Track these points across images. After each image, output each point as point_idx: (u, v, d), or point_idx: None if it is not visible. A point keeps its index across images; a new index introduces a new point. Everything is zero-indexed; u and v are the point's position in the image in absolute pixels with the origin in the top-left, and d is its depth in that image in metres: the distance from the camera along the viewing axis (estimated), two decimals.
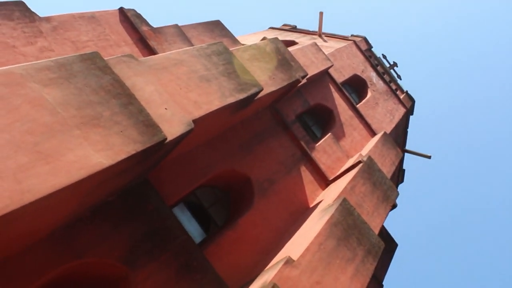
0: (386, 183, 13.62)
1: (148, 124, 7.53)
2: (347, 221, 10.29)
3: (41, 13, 11.40)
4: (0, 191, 5.29)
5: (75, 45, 11.45)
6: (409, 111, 23.61)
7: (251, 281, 8.51)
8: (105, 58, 8.03)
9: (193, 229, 10.61)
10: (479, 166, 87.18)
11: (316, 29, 24.32)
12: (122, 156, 6.82)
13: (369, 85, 21.23)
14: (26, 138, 5.93)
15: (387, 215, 12.83)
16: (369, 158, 13.76)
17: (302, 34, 24.53)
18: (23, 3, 11.03)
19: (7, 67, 6.57)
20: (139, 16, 13.95)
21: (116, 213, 8.31)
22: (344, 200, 10.75)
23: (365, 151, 15.33)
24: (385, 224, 19.49)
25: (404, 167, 24.08)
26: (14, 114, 6.03)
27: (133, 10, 13.98)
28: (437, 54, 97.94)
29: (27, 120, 6.09)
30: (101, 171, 6.48)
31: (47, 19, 11.40)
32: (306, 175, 13.40)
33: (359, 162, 13.47)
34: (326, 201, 11.73)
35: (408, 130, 24.28)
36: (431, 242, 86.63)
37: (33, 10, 11.20)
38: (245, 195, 11.66)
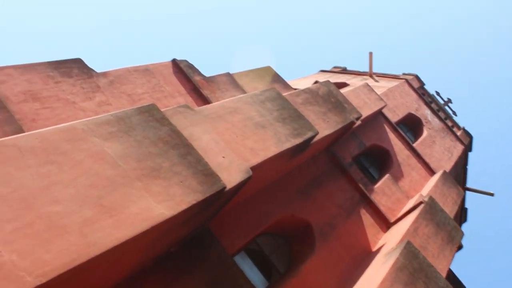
0: (450, 223, 13.21)
1: (207, 173, 7.52)
2: (412, 265, 9.96)
3: (97, 69, 11.73)
4: (66, 245, 5.31)
5: (131, 98, 11.67)
6: (468, 147, 23.08)
7: None
8: (162, 110, 8.13)
9: (256, 277, 10.46)
10: None
11: (367, 70, 24.25)
12: (183, 206, 6.80)
13: (424, 123, 20.90)
14: (90, 192, 5.98)
15: (453, 257, 12.39)
16: (431, 198, 13.41)
17: (353, 75, 24.48)
18: (81, 60, 11.36)
19: (69, 123, 6.71)
20: (191, 66, 14.18)
21: (179, 264, 8.26)
22: (408, 242, 10.44)
23: (425, 191, 14.98)
24: (451, 267, 18.83)
25: (466, 205, 23.40)
26: (77, 169, 6.11)
27: (186, 61, 14.22)
28: (492, 88, 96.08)
29: (90, 174, 6.16)
30: (164, 222, 6.46)
31: (104, 74, 11.69)
32: (367, 218, 13.13)
33: (420, 202, 13.14)
34: (389, 244, 11.43)
35: (468, 167, 23.70)
36: (503, 284, 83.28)
37: (90, 66, 11.52)
38: (306, 241, 11.47)
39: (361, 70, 24.92)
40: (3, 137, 8.32)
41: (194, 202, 6.99)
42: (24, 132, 8.81)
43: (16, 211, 5.25)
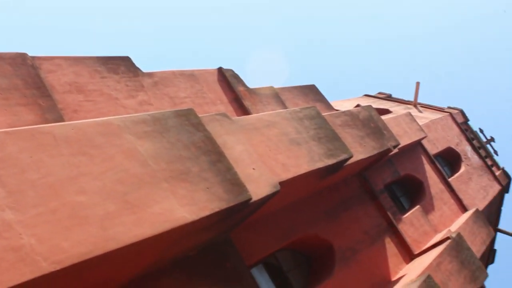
0: (475, 262, 13.02)
1: (235, 182, 7.61)
2: None
3: (144, 69, 11.96)
4: (86, 236, 5.46)
5: (173, 101, 11.87)
6: (505, 188, 22.67)
7: None
8: (200, 115, 8.25)
9: None
10: None
11: (412, 99, 24.07)
12: (206, 212, 6.89)
13: (463, 159, 20.63)
14: (117, 187, 6.12)
15: None
16: (459, 235, 13.25)
17: (397, 103, 24.34)
18: (129, 59, 11.61)
19: (107, 117, 6.89)
20: (236, 76, 14.33)
21: (195, 268, 8.34)
22: (429, 276, 10.35)
23: (454, 227, 14.78)
24: None
25: (496, 247, 22.95)
26: (108, 163, 6.27)
27: (231, 70, 14.38)
28: None
29: (119, 170, 6.31)
30: (184, 226, 6.56)
31: (150, 75, 11.92)
32: (391, 247, 13.03)
33: (448, 238, 12.99)
34: (409, 276, 11.33)
35: (503, 208, 23.26)
36: None
37: (137, 65, 11.76)
38: (326, 262, 11.45)
39: (406, 99, 24.75)
40: (43, 124, 8.57)
41: (218, 209, 7.08)
42: (64, 121, 9.05)
43: (42, 197, 5.42)
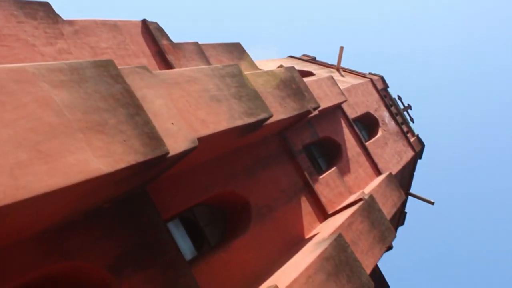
0: (384, 223, 13.57)
1: (152, 136, 7.60)
2: (339, 257, 10.26)
3: (65, 16, 11.57)
4: None
5: (93, 51, 11.59)
6: (418, 155, 23.57)
7: None
8: (119, 67, 8.13)
9: (185, 246, 10.61)
10: (480, 218, 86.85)
11: (335, 63, 24.44)
12: (122, 165, 6.88)
13: (380, 124, 21.25)
14: (29, 136, 6.00)
15: (381, 256, 12.77)
16: (371, 197, 13.73)
17: (321, 66, 24.66)
18: (49, 4, 11.20)
19: (21, 64, 6.68)
20: (160, 29, 14.10)
21: (110, 221, 8.33)
22: (340, 235, 10.73)
23: (368, 189, 15.30)
24: (380, 266, 19.34)
25: (407, 210, 23.96)
26: (20, 111, 6.12)
27: (156, 23, 14.13)
28: (453, 103, 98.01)
29: (32, 118, 6.18)
30: (99, 177, 6.53)
31: (70, 23, 11.56)
32: (306, 206, 13.38)
33: (360, 199, 13.44)
34: (321, 234, 11.70)
35: (415, 173, 24.22)
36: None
37: (57, 12, 11.36)
38: (242, 218, 11.66)
39: (330, 63, 25.09)
40: None
41: (134, 162, 7.07)
42: None
43: None
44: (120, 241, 8.29)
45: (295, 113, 12.89)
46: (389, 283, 18.71)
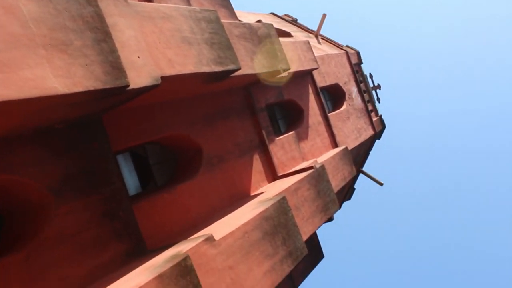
0: (330, 195, 13.81)
1: (115, 66, 7.51)
2: (279, 219, 10.42)
3: None
4: None
5: None
6: (377, 135, 23.87)
7: (168, 246, 8.56)
8: None
9: (131, 181, 10.62)
10: (422, 209, 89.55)
11: (315, 29, 24.35)
12: (79, 88, 6.80)
13: (347, 98, 21.39)
14: None
15: (320, 225, 13.02)
16: (322, 167, 13.91)
17: (300, 29, 24.52)
18: None
19: None
20: None
21: (59, 142, 8.25)
22: (284, 198, 10.87)
23: (321, 159, 15.47)
24: (320, 236, 19.74)
25: (356, 186, 24.37)
26: None
27: None
28: (425, 95, 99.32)
29: None
30: (54, 97, 6.46)
31: None
32: (257, 164, 13.49)
33: (312, 167, 13.60)
34: (267, 194, 11.84)
35: (371, 153, 24.56)
36: (356, 263, 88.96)
37: None
38: (192, 164, 11.69)
39: (310, 28, 24.98)
40: None
41: (92, 88, 7.00)
42: None
43: None
44: (66, 164, 8.24)
45: (264, 70, 12.86)
46: (324, 253, 19.16)
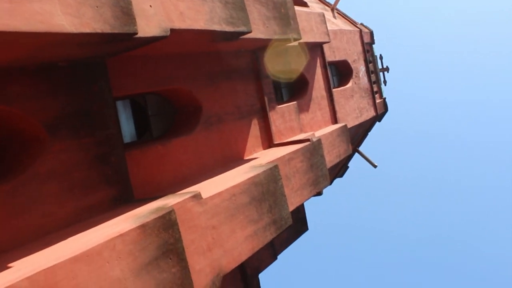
0: (322, 170, 13.86)
1: (126, 12, 7.45)
2: (268, 186, 10.48)
3: None
4: None
5: None
6: (379, 117, 23.85)
7: (155, 198, 8.61)
8: None
9: (127, 129, 10.63)
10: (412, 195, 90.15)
11: (332, 2, 24.12)
12: (87, 29, 6.77)
13: (353, 76, 21.31)
14: None
15: (308, 198, 13.11)
16: (319, 141, 13.93)
17: (317, 0, 24.28)
18: None
19: None
20: None
21: (60, 79, 8.22)
22: (276, 166, 10.91)
23: (318, 133, 15.48)
24: (307, 209, 19.88)
25: (350, 165, 24.45)
26: None
27: None
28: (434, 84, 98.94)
29: None
30: (60, 34, 6.43)
31: None
32: (255, 129, 13.49)
33: (308, 140, 13.60)
34: (260, 160, 11.88)
35: (370, 134, 24.58)
36: (339, 240, 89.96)
37: None
38: (190, 120, 11.69)
39: (328, 1, 24.72)
40: None
41: (99, 31, 6.96)
42: None
43: None
44: (64, 102, 8.23)
45: (275, 37, 12.79)
46: (309, 226, 19.35)
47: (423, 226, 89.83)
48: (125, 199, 8.98)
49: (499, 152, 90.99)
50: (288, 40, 13.58)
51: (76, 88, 8.48)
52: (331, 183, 23.26)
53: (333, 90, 18.83)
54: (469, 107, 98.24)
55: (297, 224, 17.78)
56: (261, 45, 13.36)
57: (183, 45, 10.69)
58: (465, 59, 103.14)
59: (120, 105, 10.45)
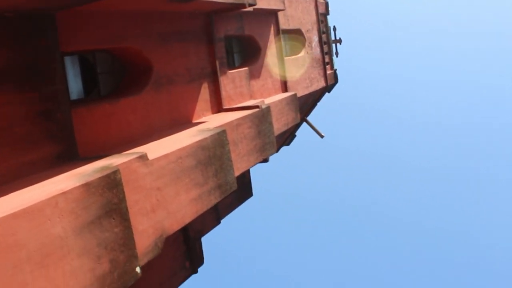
0: (270, 137, 13.94)
1: None
2: (215, 151, 10.49)
3: None
4: None
5: None
6: (328, 88, 24.03)
7: (101, 157, 8.50)
8: None
9: (75, 86, 10.42)
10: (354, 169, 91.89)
11: None
12: None
13: (306, 46, 21.36)
14: None
15: (254, 165, 13.19)
16: (267, 108, 13.98)
17: None
18: None
19: None
20: None
21: (5, 31, 7.95)
22: (223, 131, 10.92)
23: (268, 101, 15.52)
24: (252, 175, 20.01)
25: (297, 134, 24.66)
26: None
27: None
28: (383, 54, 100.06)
29: None
30: None
31: None
32: (205, 92, 13.42)
33: (257, 107, 13.63)
34: (208, 124, 11.85)
35: (318, 104, 24.77)
36: (281, 207, 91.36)
37: None
38: (139, 80, 11.52)
39: None
40: None
41: None
42: None
43: None
44: (9, 55, 7.98)
45: (230, 1, 12.67)
46: (253, 193, 19.52)
47: (362, 196, 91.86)
48: (70, 157, 8.84)
49: (444, 131, 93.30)
50: (243, 5, 13.47)
51: (22, 40, 8.23)
52: (277, 150, 23.43)
53: (285, 58, 18.84)
54: (419, 85, 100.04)
55: (242, 190, 17.88)
56: (217, 8, 13.22)
57: (137, 2, 10.49)
58: (420, 36, 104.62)
59: (68, 61, 10.21)
